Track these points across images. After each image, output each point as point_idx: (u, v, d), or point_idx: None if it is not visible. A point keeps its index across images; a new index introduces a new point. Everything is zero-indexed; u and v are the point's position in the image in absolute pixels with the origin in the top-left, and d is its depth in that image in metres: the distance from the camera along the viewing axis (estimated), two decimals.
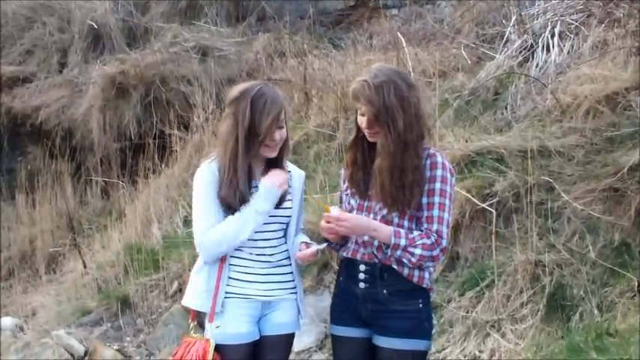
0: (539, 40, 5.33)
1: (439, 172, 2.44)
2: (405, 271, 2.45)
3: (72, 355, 4.82)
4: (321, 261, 4.61)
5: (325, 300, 4.34)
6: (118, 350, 4.81)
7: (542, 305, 3.72)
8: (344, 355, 2.57)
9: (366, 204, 2.50)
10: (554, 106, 4.67)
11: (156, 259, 5.36)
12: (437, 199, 2.43)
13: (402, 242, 2.39)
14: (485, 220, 4.16)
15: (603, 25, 5.22)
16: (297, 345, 4.20)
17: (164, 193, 6.26)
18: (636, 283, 3.57)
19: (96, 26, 7.69)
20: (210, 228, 2.48)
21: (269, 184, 2.48)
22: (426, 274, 2.49)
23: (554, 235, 3.92)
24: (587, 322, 3.55)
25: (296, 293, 2.62)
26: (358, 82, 2.43)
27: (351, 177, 2.54)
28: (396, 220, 2.44)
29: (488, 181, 4.26)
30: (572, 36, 5.27)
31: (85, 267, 5.88)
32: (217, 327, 2.49)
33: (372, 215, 2.47)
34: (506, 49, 5.48)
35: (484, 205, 4.11)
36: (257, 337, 2.54)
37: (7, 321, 5.50)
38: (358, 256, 2.50)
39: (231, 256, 2.53)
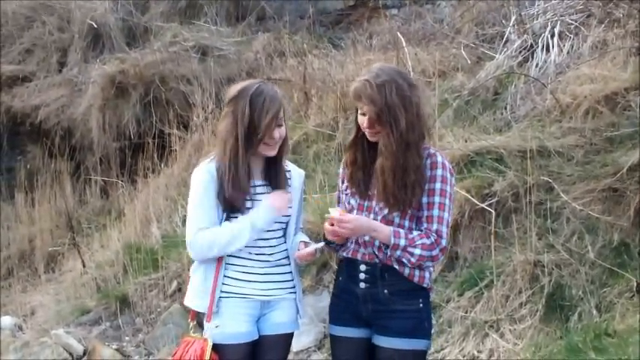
0: (539, 40, 5.33)
1: (439, 172, 2.44)
2: (406, 271, 2.45)
3: (71, 354, 4.82)
4: (320, 261, 4.61)
5: (324, 300, 4.34)
6: (117, 350, 4.81)
7: (541, 305, 3.72)
8: (343, 355, 2.57)
9: (366, 204, 2.50)
10: (553, 106, 4.68)
11: (155, 259, 5.36)
12: (437, 198, 2.43)
13: (402, 242, 2.39)
14: (485, 220, 4.15)
15: (603, 26, 5.22)
16: (296, 345, 4.20)
17: (163, 192, 6.26)
18: (635, 284, 3.57)
19: (95, 26, 7.69)
20: (203, 229, 2.48)
21: (269, 204, 2.47)
22: (427, 274, 2.50)
23: (553, 235, 3.92)
24: (586, 323, 3.55)
25: (295, 293, 2.61)
26: (360, 82, 2.42)
27: (351, 177, 2.54)
28: (397, 219, 2.44)
29: (487, 181, 4.26)
30: (571, 36, 5.27)
31: (84, 266, 5.88)
32: (216, 327, 2.49)
33: (372, 215, 2.47)
34: (505, 49, 5.48)
35: (483, 205, 4.11)
36: (256, 337, 2.54)
37: (7, 320, 5.50)
38: (359, 256, 2.50)
39: (230, 256, 2.52)
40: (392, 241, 2.39)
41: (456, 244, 4.22)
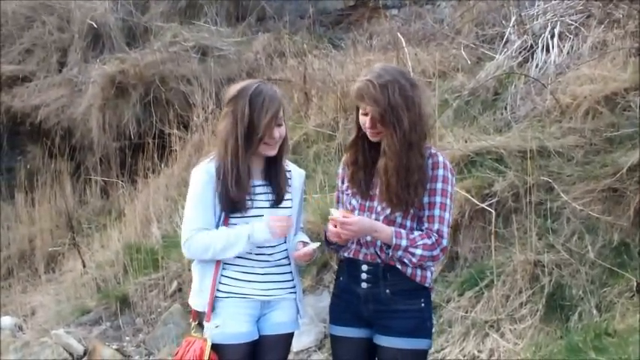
0: (539, 41, 5.34)
1: (441, 172, 2.45)
2: (409, 271, 2.45)
3: (71, 354, 4.82)
4: (321, 261, 4.61)
5: (324, 300, 4.34)
6: (117, 350, 4.81)
7: (541, 305, 3.72)
8: (344, 355, 2.57)
9: (367, 204, 2.50)
10: (553, 106, 4.68)
11: (155, 259, 5.36)
12: (438, 198, 2.44)
13: (403, 243, 2.40)
14: (485, 220, 4.16)
15: (603, 26, 5.23)
16: (297, 345, 4.20)
17: (163, 192, 6.26)
18: (635, 283, 3.57)
19: (95, 25, 7.69)
20: (200, 229, 2.48)
21: (269, 227, 2.46)
22: (428, 274, 2.51)
23: (553, 235, 3.92)
24: (586, 322, 3.56)
25: (295, 293, 2.61)
26: (362, 82, 2.41)
27: (351, 177, 2.53)
28: (399, 219, 2.45)
29: (487, 181, 4.27)
30: (571, 37, 5.27)
31: (84, 266, 5.88)
32: (217, 326, 2.49)
33: (373, 215, 2.47)
34: (505, 50, 5.49)
35: (483, 205, 4.11)
36: (256, 337, 2.54)
37: (7, 320, 5.50)
38: (360, 256, 2.50)
39: None
40: (393, 242, 2.39)
41: (456, 244, 4.22)
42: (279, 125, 2.50)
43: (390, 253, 2.42)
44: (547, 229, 3.97)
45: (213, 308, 2.50)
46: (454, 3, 7.08)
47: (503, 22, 5.98)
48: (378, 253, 2.46)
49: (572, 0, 5.61)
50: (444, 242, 2.44)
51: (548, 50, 5.23)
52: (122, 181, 6.83)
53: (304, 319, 2.72)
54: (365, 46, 6.78)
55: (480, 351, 3.75)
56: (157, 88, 6.99)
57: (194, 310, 2.57)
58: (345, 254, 2.55)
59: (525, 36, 5.47)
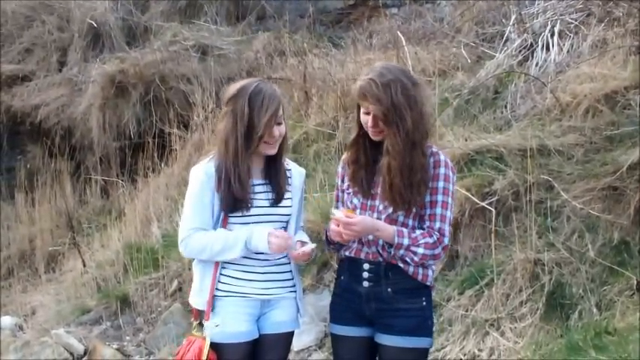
0: (539, 39, 5.33)
1: (442, 171, 2.45)
2: (410, 269, 2.46)
3: (71, 354, 4.82)
4: (321, 260, 4.61)
5: (325, 299, 4.34)
6: (118, 349, 4.81)
7: (541, 304, 3.72)
8: (345, 355, 2.57)
9: (369, 203, 2.50)
10: (553, 105, 4.68)
11: (155, 258, 5.36)
12: (440, 197, 2.44)
13: (405, 242, 2.40)
14: (485, 219, 4.16)
15: (603, 24, 5.22)
16: (297, 344, 4.20)
17: (164, 192, 6.26)
18: (635, 282, 3.57)
19: (95, 25, 7.69)
20: (196, 229, 2.49)
21: (269, 240, 2.46)
22: (430, 272, 2.51)
23: (553, 233, 3.92)
24: (586, 321, 3.56)
25: (295, 292, 2.61)
26: (365, 81, 2.41)
27: (353, 176, 2.53)
28: (401, 218, 2.45)
29: (487, 179, 4.26)
30: (571, 35, 5.27)
31: (84, 266, 5.88)
32: (217, 325, 2.49)
33: (375, 214, 2.47)
34: (505, 48, 5.48)
35: (484, 204, 4.11)
36: (256, 336, 2.54)
37: (7, 320, 5.50)
38: (362, 255, 2.50)
39: None
40: (396, 241, 2.40)
41: (456, 242, 4.22)
42: (279, 124, 2.50)
43: (392, 252, 2.42)
44: (547, 227, 3.97)
45: (213, 307, 2.50)
46: (454, 2, 7.07)
47: (504, 20, 5.97)
48: (380, 251, 2.46)
49: None
50: (446, 241, 2.44)
51: (548, 49, 5.23)
52: (122, 181, 6.83)
53: (304, 318, 2.72)
54: (365, 45, 6.78)
55: (480, 350, 3.75)
56: (157, 88, 6.99)
57: (195, 309, 2.57)
58: (347, 253, 2.55)
59: (525, 34, 5.47)
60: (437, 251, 2.43)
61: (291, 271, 2.61)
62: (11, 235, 7.05)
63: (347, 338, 2.54)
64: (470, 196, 4.16)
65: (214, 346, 2.47)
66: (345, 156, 2.64)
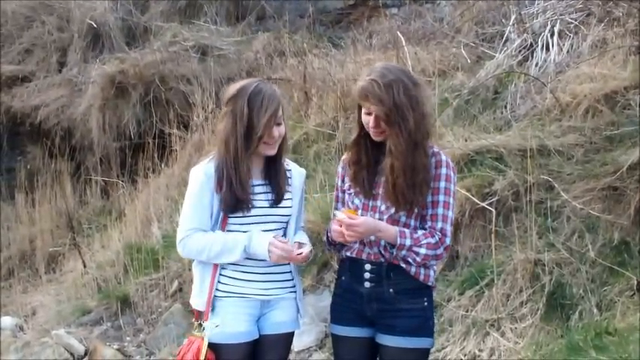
0: (539, 39, 5.33)
1: (444, 171, 2.45)
2: (412, 270, 2.46)
3: (72, 354, 4.82)
4: (321, 260, 4.61)
5: (325, 299, 4.34)
6: (118, 350, 4.81)
7: (541, 304, 3.72)
8: (346, 355, 2.57)
9: (371, 203, 2.50)
10: (553, 105, 4.68)
11: (156, 259, 5.36)
12: (442, 197, 2.45)
13: (408, 242, 2.40)
14: (485, 219, 4.16)
15: (603, 24, 5.22)
16: (297, 344, 4.20)
17: (164, 192, 6.26)
18: (635, 282, 3.57)
19: (95, 25, 7.69)
20: (195, 230, 2.49)
21: (269, 249, 2.46)
22: (431, 272, 2.51)
23: (553, 234, 3.92)
24: (587, 321, 3.56)
25: (295, 292, 2.61)
26: (366, 81, 2.40)
27: (354, 176, 2.53)
28: (403, 219, 2.45)
29: (487, 180, 4.26)
30: (571, 35, 5.27)
31: (84, 266, 5.88)
32: (216, 326, 2.49)
33: (377, 215, 2.47)
34: (505, 48, 5.48)
35: (484, 204, 4.11)
36: (256, 336, 2.54)
37: (7, 320, 5.50)
38: (364, 256, 2.50)
39: None
40: (398, 241, 2.40)
41: (456, 243, 4.22)
42: (279, 124, 2.50)
43: (395, 253, 2.42)
44: (547, 227, 3.97)
45: (213, 308, 2.50)
46: (454, 2, 7.07)
47: (503, 20, 5.97)
48: (382, 252, 2.46)
49: None
50: (448, 241, 2.45)
51: (548, 49, 5.23)
52: (122, 181, 6.83)
53: (304, 319, 2.72)
54: (365, 45, 6.78)
55: (480, 350, 3.75)
56: (157, 88, 6.99)
57: (195, 310, 2.57)
58: (348, 254, 2.55)
59: (525, 34, 5.47)
60: (439, 251, 2.43)
61: (291, 271, 2.61)
62: (11, 236, 7.05)
63: (348, 339, 2.54)
64: (470, 196, 4.16)
65: (214, 347, 2.47)
66: (345, 156, 2.64)
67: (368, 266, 2.49)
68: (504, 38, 5.64)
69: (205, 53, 7.28)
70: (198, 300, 2.54)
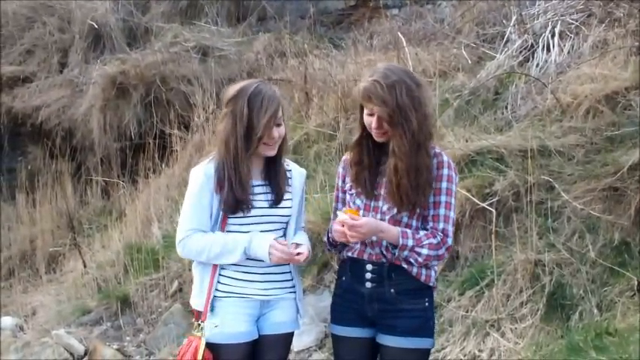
0: (540, 40, 5.33)
1: (445, 172, 2.45)
2: (414, 270, 2.46)
3: (72, 354, 4.82)
4: (321, 260, 4.61)
5: (325, 299, 4.34)
6: (118, 350, 4.81)
7: (541, 304, 3.72)
8: (346, 355, 2.57)
9: (372, 204, 2.49)
10: (554, 105, 4.67)
11: (156, 259, 5.36)
12: (443, 197, 2.45)
13: (410, 243, 2.40)
14: (485, 220, 4.16)
15: (603, 25, 5.22)
16: (297, 344, 4.20)
17: (164, 192, 6.26)
18: (636, 283, 3.57)
19: (96, 26, 7.69)
20: (194, 230, 2.49)
21: (269, 251, 2.46)
22: (432, 273, 2.51)
23: (553, 234, 3.92)
24: (587, 322, 3.55)
25: (295, 292, 2.61)
26: (369, 82, 2.40)
27: (356, 177, 2.52)
28: (405, 219, 2.45)
29: (488, 180, 4.26)
30: (572, 36, 5.27)
31: (85, 266, 5.88)
32: (216, 326, 2.49)
33: (379, 215, 2.47)
34: (506, 49, 5.48)
35: (484, 205, 4.11)
36: (256, 337, 2.54)
37: (7, 320, 5.50)
38: (365, 256, 2.50)
39: None
40: (400, 242, 2.40)
41: (456, 243, 4.21)
42: (278, 125, 2.50)
43: (397, 253, 2.42)
44: (548, 228, 3.96)
45: (212, 308, 2.50)
46: (455, 2, 7.07)
47: (504, 21, 5.97)
48: (384, 252, 2.46)
49: None
50: (449, 241, 2.45)
51: (548, 49, 5.23)
52: (123, 182, 6.84)
53: (304, 319, 2.72)
54: (365, 46, 6.78)
55: (480, 350, 3.75)
56: (158, 89, 6.99)
57: (195, 310, 2.57)
58: (349, 254, 2.55)
59: (526, 35, 5.47)
60: (441, 252, 2.44)
61: (290, 271, 2.61)
62: (12, 236, 7.05)
63: (348, 339, 2.54)
64: (470, 196, 4.16)
65: (214, 347, 2.47)
66: (345, 156, 2.64)
67: (369, 266, 2.49)
68: (505, 39, 5.64)
69: (206, 54, 7.28)
70: (197, 300, 2.54)
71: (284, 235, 2.60)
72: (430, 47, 6.14)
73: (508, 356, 3.63)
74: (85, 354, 4.83)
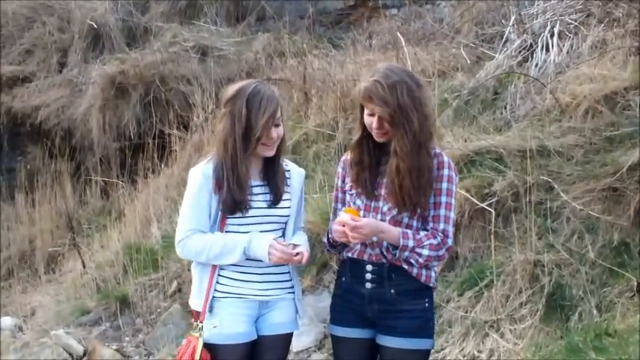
0: (539, 40, 5.33)
1: (446, 172, 2.45)
2: (414, 271, 2.46)
3: (71, 354, 4.82)
4: (321, 261, 4.61)
5: (324, 300, 4.33)
6: (117, 350, 4.81)
7: (541, 305, 3.72)
8: (346, 356, 2.57)
9: (373, 204, 2.49)
10: (553, 105, 4.67)
11: (155, 259, 5.36)
12: (444, 198, 2.45)
13: (410, 243, 2.40)
14: (485, 220, 4.15)
15: (602, 25, 5.22)
16: (296, 345, 4.20)
17: (163, 192, 6.26)
18: (635, 283, 3.57)
19: (96, 26, 7.69)
20: (194, 231, 2.49)
21: (269, 251, 2.46)
22: (433, 273, 2.51)
23: (553, 234, 3.92)
24: (586, 322, 3.55)
25: (293, 293, 2.61)
26: (370, 82, 2.39)
27: (356, 177, 2.52)
28: (405, 220, 2.45)
29: (487, 180, 4.26)
30: (571, 36, 5.27)
31: (84, 267, 5.88)
32: (214, 327, 2.49)
33: (379, 216, 2.46)
34: (505, 49, 5.48)
35: (483, 205, 4.10)
36: (254, 337, 2.54)
37: (7, 321, 5.50)
38: (365, 257, 2.50)
39: None
40: (400, 243, 2.40)
41: (456, 243, 4.21)
42: (277, 125, 2.49)
43: (397, 254, 2.42)
44: (547, 228, 3.96)
45: (211, 308, 2.49)
46: (454, 2, 7.07)
47: (503, 21, 5.97)
48: (384, 253, 2.46)
49: None
50: (450, 242, 2.45)
51: (547, 49, 5.23)
52: (122, 182, 6.84)
53: (304, 320, 2.72)
54: (365, 46, 6.77)
55: (479, 351, 3.75)
56: (157, 89, 6.99)
57: (194, 311, 2.57)
58: (349, 254, 2.55)
59: (525, 35, 5.47)
60: (441, 252, 2.44)
61: (289, 272, 2.60)
62: (11, 236, 7.05)
63: (348, 340, 2.54)
64: (469, 197, 4.16)
65: (213, 347, 2.47)
66: (345, 156, 2.64)
67: (369, 267, 2.49)
68: (504, 39, 5.64)
69: (205, 54, 7.28)
70: (196, 300, 2.54)
71: (283, 235, 2.59)
72: (429, 47, 6.14)
73: (507, 357, 3.62)
74: (84, 354, 4.82)
